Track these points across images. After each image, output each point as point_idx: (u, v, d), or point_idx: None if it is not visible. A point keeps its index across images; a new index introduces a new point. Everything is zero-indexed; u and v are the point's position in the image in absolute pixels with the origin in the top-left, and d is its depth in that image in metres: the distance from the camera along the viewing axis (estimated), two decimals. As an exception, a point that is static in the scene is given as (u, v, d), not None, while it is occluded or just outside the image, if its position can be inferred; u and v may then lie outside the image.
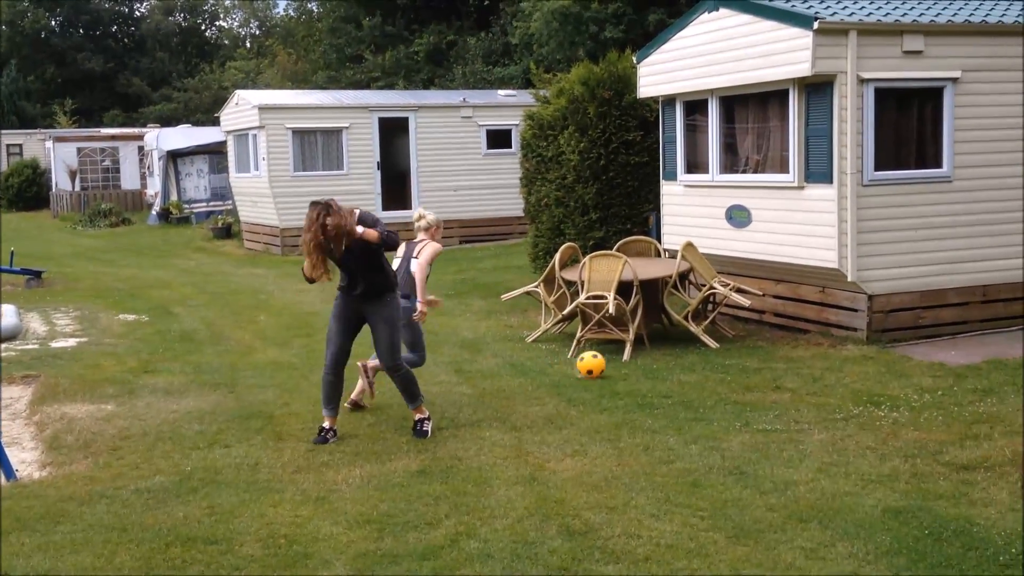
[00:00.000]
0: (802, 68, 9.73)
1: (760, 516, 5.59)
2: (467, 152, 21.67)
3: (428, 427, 7.42)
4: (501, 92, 23.47)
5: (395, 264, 8.04)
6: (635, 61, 12.69)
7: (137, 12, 61.59)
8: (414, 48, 35.09)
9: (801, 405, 7.93)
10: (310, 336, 11.50)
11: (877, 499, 5.76)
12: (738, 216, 11.14)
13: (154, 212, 29.71)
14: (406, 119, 21.31)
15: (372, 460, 6.83)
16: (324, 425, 7.35)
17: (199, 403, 8.46)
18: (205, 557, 5.22)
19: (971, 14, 10.30)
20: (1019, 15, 10.48)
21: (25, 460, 7.07)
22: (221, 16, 66.28)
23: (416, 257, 8.06)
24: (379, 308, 7.29)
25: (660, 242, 12.14)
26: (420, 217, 8.32)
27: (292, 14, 51.74)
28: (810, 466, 6.40)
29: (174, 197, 29.37)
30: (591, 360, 9.16)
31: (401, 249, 8.21)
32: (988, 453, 6.51)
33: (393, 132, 21.30)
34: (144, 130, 33.85)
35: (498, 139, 21.91)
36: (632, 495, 5.97)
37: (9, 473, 6.53)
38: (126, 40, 60.48)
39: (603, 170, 13.50)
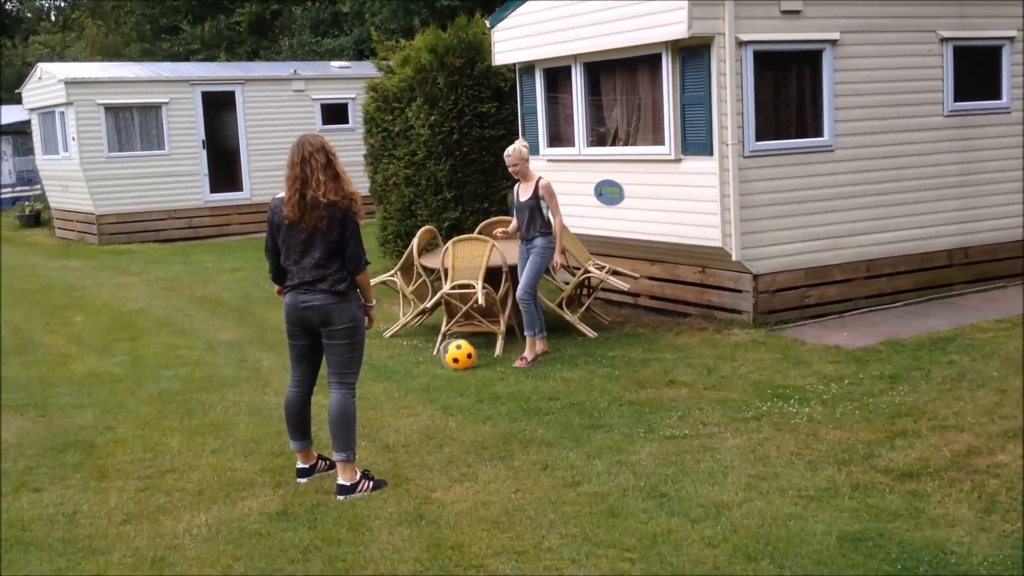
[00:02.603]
0: (678, 30, 8.94)
1: (699, 555, 4.69)
2: (301, 128, 20.03)
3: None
4: (335, 64, 22.06)
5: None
6: (488, 26, 11.69)
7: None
8: (235, 18, 32.95)
9: (703, 402, 7.13)
10: (135, 339, 10.07)
11: (826, 523, 4.95)
12: (608, 192, 10.31)
13: (-51, 200, 26.99)
14: (232, 93, 19.69)
15: (220, 500, 5.65)
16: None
17: None
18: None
19: (851, -28, 9.74)
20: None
21: None
22: (21, -14, 61.45)
23: None
24: None
25: (524, 222, 11.18)
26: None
27: (101, -18, 48.20)
28: (736, 482, 5.57)
29: (-27, 183, 26.74)
30: (455, 351, 8.54)
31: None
32: (924, 455, 5.83)
33: (219, 108, 19.66)
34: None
35: (334, 114, 20.54)
36: (542, 533, 4.99)
37: None
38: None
39: (456, 145, 12.47)
